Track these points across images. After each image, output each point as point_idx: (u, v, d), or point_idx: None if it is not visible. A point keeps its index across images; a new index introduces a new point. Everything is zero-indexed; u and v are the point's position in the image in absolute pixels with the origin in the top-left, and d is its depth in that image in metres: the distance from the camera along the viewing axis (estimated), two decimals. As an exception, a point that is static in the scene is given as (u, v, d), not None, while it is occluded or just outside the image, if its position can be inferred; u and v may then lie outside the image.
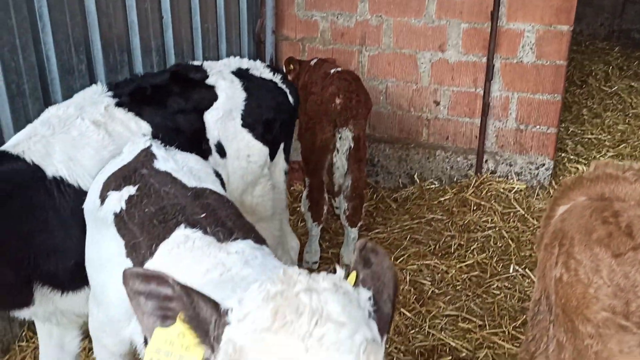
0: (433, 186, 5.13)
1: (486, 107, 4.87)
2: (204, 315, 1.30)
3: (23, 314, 2.41)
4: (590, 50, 9.09)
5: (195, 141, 2.84)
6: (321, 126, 3.90)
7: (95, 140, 2.52)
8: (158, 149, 2.38)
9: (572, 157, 5.48)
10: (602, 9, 9.91)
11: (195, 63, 3.21)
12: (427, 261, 4.08)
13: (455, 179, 5.12)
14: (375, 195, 5.11)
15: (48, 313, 2.42)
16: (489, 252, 4.17)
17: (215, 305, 1.31)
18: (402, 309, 3.56)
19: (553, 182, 4.94)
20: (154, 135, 2.62)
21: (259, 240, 1.96)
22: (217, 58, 4.74)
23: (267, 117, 3.11)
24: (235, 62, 3.31)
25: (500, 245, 4.25)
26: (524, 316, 3.42)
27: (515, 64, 4.71)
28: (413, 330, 3.39)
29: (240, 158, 3.04)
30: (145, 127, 2.71)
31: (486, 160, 5.02)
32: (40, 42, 3.14)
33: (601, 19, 9.94)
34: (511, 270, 3.97)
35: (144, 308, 1.35)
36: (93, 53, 3.50)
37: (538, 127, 4.82)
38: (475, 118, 4.97)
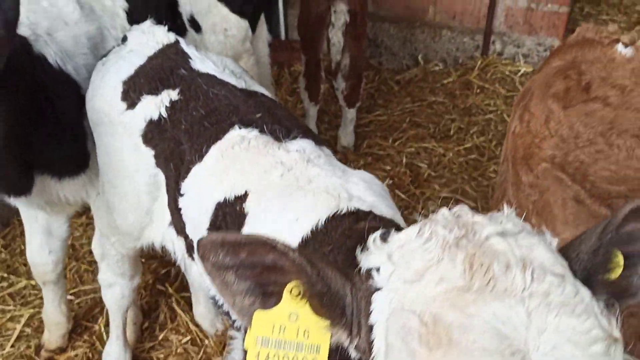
0: (437, 68, 4.98)
1: (497, -16, 4.60)
2: (335, 287, 0.98)
3: (18, 201, 2.34)
4: None
5: (169, 17, 2.67)
6: None
7: (66, 13, 2.28)
8: (188, 46, 2.15)
9: None
10: None
11: None
12: (426, 144, 4.06)
13: (460, 61, 4.96)
14: (377, 77, 4.98)
15: (43, 202, 2.36)
16: (489, 135, 4.13)
17: (344, 272, 1.01)
18: (396, 190, 3.59)
19: (561, 65, 4.77)
20: (130, 12, 2.45)
21: (319, 141, 1.81)
22: None
23: None
24: None
25: (501, 129, 4.19)
26: (518, 199, 3.45)
27: None
28: (406, 211, 3.44)
29: (217, 32, 2.88)
30: (121, 2, 2.50)
31: (493, 41, 4.83)
32: None
33: None
34: (509, 154, 3.94)
35: (235, 288, 1.00)
36: None
37: (549, 5, 4.57)
38: (485, -5, 4.71)
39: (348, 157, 4.00)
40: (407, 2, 5.00)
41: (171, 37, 2.17)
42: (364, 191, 1.53)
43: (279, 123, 1.77)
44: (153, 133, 1.91)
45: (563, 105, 1.92)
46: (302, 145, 1.68)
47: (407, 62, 5.13)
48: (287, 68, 5.04)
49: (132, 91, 2.00)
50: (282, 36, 5.37)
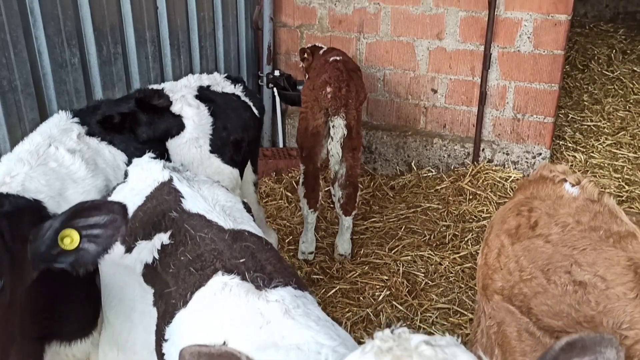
0: (430, 174, 5.13)
1: (483, 96, 4.85)
2: None
3: None
4: (594, 33, 8.98)
5: None
6: (313, 113, 3.91)
7: (74, 171, 2.31)
8: (180, 182, 2.19)
9: (570, 144, 5.46)
10: (608, -11, 9.78)
11: (156, 87, 2.96)
12: (422, 252, 4.11)
13: (452, 167, 5.12)
14: (372, 183, 5.13)
15: None
16: (483, 242, 4.18)
17: None
18: (393, 302, 3.60)
19: (550, 171, 4.93)
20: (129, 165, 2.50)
21: (301, 286, 1.83)
22: (214, 46, 4.75)
23: (235, 138, 2.99)
24: (195, 81, 3.09)
25: (495, 235, 4.26)
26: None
27: (513, 53, 4.68)
28: (404, 324, 3.43)
29: None
30: (120, 155, 2.57)
31: (483, 149, 5.02)
32: (32, 36, 3.14)
33: (606, 0, 9.81)
34: (504, 262, 3.98)
35: None
36: (86, 46, 3.51)
37: (535, 116, 4.81)
38: (473, 106, 4.95)
39: (345, 266, 4.04)
40: (399, 112, 5.24)
41: (165, 175, 2.22)
42: (338, 344, 1.57)
43: (262, 270, 1.81)
44: (151, 274, 1.98)
45: (512, 241, 2.05)
46: (281, 295, 1.70)
47: (401, 168, 5.30)
48: (286, 174, 5.19)
49: (128, 236, 2.05)
50: (281, 144, 5.58)
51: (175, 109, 2.82)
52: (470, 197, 4.71)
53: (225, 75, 3.27)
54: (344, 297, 3.75)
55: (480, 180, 4.87)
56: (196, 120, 2.84)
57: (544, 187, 2.14)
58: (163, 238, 2.00)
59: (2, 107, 2.99)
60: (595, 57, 7.77)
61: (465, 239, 4.23)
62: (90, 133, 2.50)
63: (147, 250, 2.00)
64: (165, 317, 1.84)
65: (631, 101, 6.46)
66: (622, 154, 5.29)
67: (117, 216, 1.70)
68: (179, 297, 1.82)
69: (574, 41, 8.44)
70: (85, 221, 1.70)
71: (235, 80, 3.25)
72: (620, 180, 4.89)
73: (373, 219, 4.60)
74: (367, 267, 4.01)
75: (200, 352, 1.12)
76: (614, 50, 8.00)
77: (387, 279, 3.85)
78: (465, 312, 3.55)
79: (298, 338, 1.57)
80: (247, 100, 3.19)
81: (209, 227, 1.99)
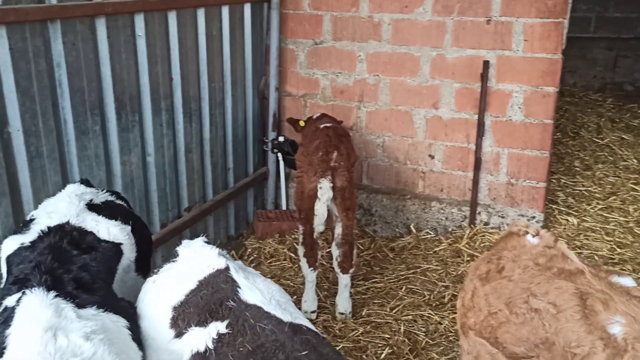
0: (429, 236, 5.31)
1: (478, 162, 5.10)
2: None
3: None
4: (584, 102, 9.39)
5: None
6: (308, 176, 4.14)
7: None
8: (237, 272, 2.19)
9: (562, 208, 5.67)
10: (595, 62, 10.26)
11: (61, 223, 2.46)
12: (422, 312, 4.24)
13: (449, 230, 5.31)
14: (373, 244, 5.30)
15: None
16: (481, 303, 4.31)
17: None
18: (395, 360, 3.70)
19: (544, 234, 5.11)
20: None
21: None
22: (223, 114, 5.04)
23: (147, 249, 2.86)
24: (77, 201, 2.61)
25: (492, 296, 4.39)
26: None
27: (505, 121, 4.96)
28: (406, 382, 3.52)
29: None
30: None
31: (479, 212, 5.22)
32: (59, 106, 3.40)
33: (594, 71, 10.28)
34: (502, 322, 4.10)
35: None
36: (106, 115, 3.76)
37: (528, 181, 5.04)
38: (468, 172, 5.19)
39: (348, 325, 4.16)
40: (398, 177, 5.48)
41: (222, 263, 2.21)
42: None
43: None
44: None
45: (483, 284, 2.36)
46: None
47: (400, 230, 5.48)
48: (289, 235, 5.36)
49: (181, 320, 2.05)
50: (284, 206, 5.78)
51: (115, 237, 2.55)
52: (468, 258, 4.86)
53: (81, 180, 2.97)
54: (347, 356, 3.85)
55: (477, 242, 5.04)
56: (127, 244, 2.62)
57: (511, 240, 2.47)
58: (220, 327, 1.97)
59: (29, 171, 3.20)
60: (585, 125, 8.12)
61: (464, 299, 4.36)
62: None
63: (200, 337, 1.97)
64: None
65: (620, 167, 6.72)
66: (613, 218, 5.49)
67: None
68: None
69: (564, 109, 8.82)
70: None
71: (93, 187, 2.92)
72: (612, 243, 5.06)
73: (374, 280, 4.74)
74: (369, 327, 4.13)
75: None
76: (603, 119, 8.37)
77: (388, 338, 3.96)
78: (465, 371, 3.63)
79: None
80: (123, 202, 2.97)
81: (269, 318, 1.98)
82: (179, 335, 2.05)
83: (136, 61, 3.94)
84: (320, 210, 3.96)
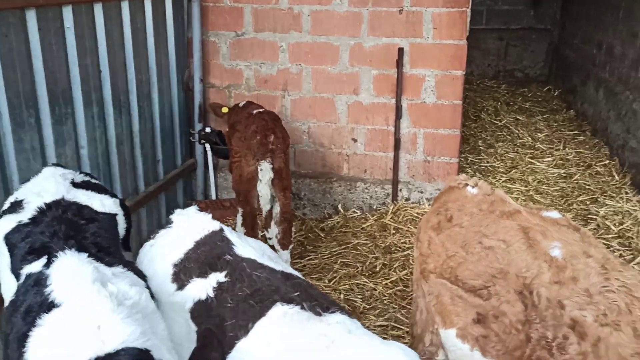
0: (355, 214, 5.65)
1: (397, 143, 5.50)
2: None
3: None
4: (481, 89, 10.19)
5: None
6: (246, 160, 4.34)
7: None
8: (230, 233, 2.41)
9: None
10: (489, 51, 11.14)
11: (56, 199, 2.61)
12: (357, 281, 4.56)
13: (374, 207, 5.68)
14: (304, 226, 5.56)
15: None
16: (409, 268, 4.70)
17: None
18: (340, 323, 3.98)
19: (458, 206, 5.61)
20: None
21: (351, 316, 2.01)
22: (151, 106, 5.09)
23: (129, 223, 3.01)
24: (62, 180, 2.78)
25: (419, 262, 4.80)
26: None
27: (420, 104, 5.39)
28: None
29: None
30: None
31: (400, 189, 5.62)
32: (-6, 98, 3.36)
33: (488, 60, 11.15)
34: (429, 284, 4.51)
35: None
36: (40, 107, 3.75)
37: (442, 158, 5.50)
38: (389, 152, 5.58)
39: (290, 299, 4.39)
40: (324, 161, 5.77)
41: (216, 225, 2.45)
42: (402, 356, 1.81)
43: (317, 300, 2.01)
44: (200, 311, 2.15)
45: (437, 233, 2.68)
46: (340, 318, 1.89)
47: (329, 211, 5.78)
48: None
49: (183, 274, 2.24)
50: (214, 196, 5.90)
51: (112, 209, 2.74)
52: (394, 231, 5.25)
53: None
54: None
55: (401, 217, 5.44)
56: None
57: (452, 193, 2.83)
58: (219, 277, 2.18)
59: (-31, 164, 3.16)
60: (485, 109, 8.84)
61: (394, 267, 4.73)
62: None
63: (201, 287, 2.16)
64: (225, 349, 1.96)
65: (518, 144, 7.43)
66: (515, 188, 6.10)
67: None
68: (239, 327, 1.97)
69: (465, 95, 9.51)
70: None
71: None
72: (517, 209, 5.65)
73: (309, 257, 5.01)
74: (310, 299, 4.38)
75: None
76: (499, 103, 9.14)
77: (330, 306, 4.23)
78: (401, 327, 3.99)
79: (367, 353, 1.76)
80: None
81: (262, 268, 2.20)
82: (181, 287, 2.24)
83: (66, 54, 3.94)
84: (264, 191, 4.16)
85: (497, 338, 2.22)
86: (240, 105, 5.13)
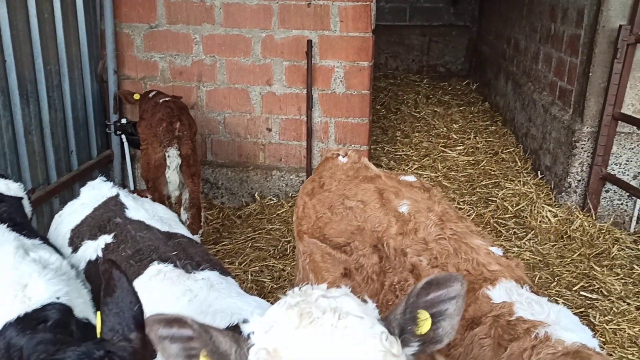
0: (272, 202, 5.83)
1: (310, 132, 5.71)
2: (224, 348, 1.38)
3: None
4: (404, 83, 10.57)
5: None
6: (153, 147, 4.45)
7: None
8: (126, 197, 2.58)
9: (386, 170, 6.50)
10: (413, 47, 11.55)
11: None
12: (267, 262, 4.74)
13: (290, 194, 5.87)
14: (221, 214, 5.69)
15: None
16: (318, 250, 4.92)
17: (234, 336, 1.39)
18: (244, 301, 4.15)
19: (370, 191, 5.88)
20: None
21: (224, 272, 2.17)
22: (62, 97, 5.10)
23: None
24: None
25: (328, 244, 5.03)
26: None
27: (330, 94, 5.62)
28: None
29: None
30: None
31: (314, 177, 5.84)
32: None
33: (412, 56, 11.57)
34: (336, 263, 4.74)
35: (169, 351, 1.40)
36: (-62, 94, 3.74)
37: (353, 145, 5.75)
38: (302, 141, 5.79)
39: (200, 282, 4.52)
40: (240, 150, 5.92)
41: (113, 191, 2.63)
42: (255, 307, 1.98)
43: (191, 258, 2.17)
44: (91, 271, 2.29)
45: (310, 198, 2.93)
46: (207, 275, 2.06)
47: (246, 200, 5.94)
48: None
49: (76, 237, 2.40)
50: (132, 187, 5.95)
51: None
52: (306, 216, 5.46)
53: None
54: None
55: (314, 203, 5.65)
56: None
57: (328, 163, 3.09)
58: (107, 238, 2.34)
59: None
60: (405, 102, 9.20)
61: (304, 249, 4.94)
62: None
63: (92, 248, 2.32)
64: None
65: (433, 134, 7.80)
66: (425, 175, 6.44)
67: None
68: None
69: (388, 90, 9.88)
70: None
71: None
72: (425, 193, 5.97)
73: (223, 243, 5.15)
74: (220, 281, 4.53)
75: (160, 319, 1.39)
76: (420, 96, 9.53)
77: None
78: (305, 303, 4.19)
79: (222, 305, 1.93)
80: None
81: (148, 229, 2.36)
82: (75, 250, 2.40)
83: (-35, 41, 3.94)
84: (172, 177, 4.28)
85: (360, 289, 2.45)
86: (150, 95, 5.21)
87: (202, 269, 2.12)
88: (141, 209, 2.55)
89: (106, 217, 2.49)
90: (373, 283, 2.35)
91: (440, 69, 11.65)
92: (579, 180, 5.44)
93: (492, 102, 9.01)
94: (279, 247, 5.02)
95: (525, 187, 5.91)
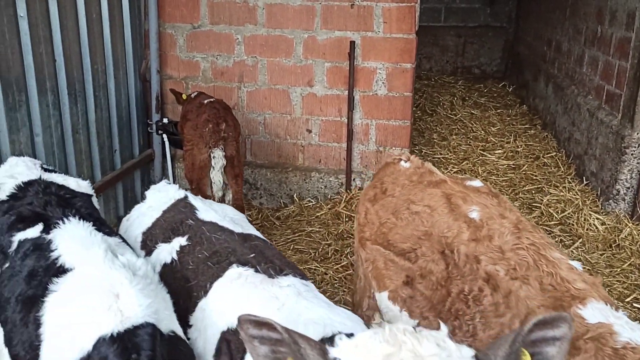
0: (310, 204, 5.80)
1: (350, 133, 5.67)
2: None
3: None
4: (439, 84, 10.46)
5: None
6: (199, 148, 4.45)
7: None
8: (194, 199, 2.54)
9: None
10: (447, 48, 11.42)
11: (32, 179, 2.68)
12: (309, 265, 4.71)
13: (329, 196, 5.84)
14: (260, 215, 5.69)
15: None
16: (360, 254, 4.89)
17: (322, 349, 1.36)
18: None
19: (410, 194, 5.82)
20: None
21: (304, 277, 2.10)
22: (107, 96, 5.14)
23: None
24: (32, 164, 2.86)
25: (369, 248, 4.98)
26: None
27: (372, 96, 5.57)
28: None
29: None
30: None
31: (354, 179, 5.80)
32: (-55, 84, 3.41)
33: (447, 57, 11.44)
34: (378, 267, 4.70)
35: (258, 351, 1.42)
36: (-7, 93, 3.79)
37: (394, 148, 5.70)
38: (342, 143, 5.75)
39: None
40: (279, 151, 5.91)
41: (181, 193, 2.61)
42: (344, 319, 1.92)
43: (271, 262, 2.10)
44: (166, 274, 2.25)
45: (373, 204, 2.87)
46: (292, 281, 1.99)
47: (285, 201, 5.92)
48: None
49: (149, 240, 2.36)
50: (171, 186, 5.99)
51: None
52: (346, 219, 5.42)
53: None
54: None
55: (354, 205, 5.61)
56: None
57: (388, 168, 3.03)
58: (181, 241, 2.31)
59: None
60: (441, 104, 9.10)
61: (345, 253, 4.91)
62: None
63: (167, 251, 2.29)
64: (187, 307, 2.09)
65: (471, 137, 7.69)
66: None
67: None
68: (199, 288, 2.09)
69: (423, 91, 9.78)
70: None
71: None
72: (465, 198, 5.89)
73: (264, 244, 5.14)
74: (262, 283, 4.52)
75: (251, 319, 1.41)
76: (455, 98, 9.42)
77: (281, 289, 4.38)
78: (349, 308, 4.15)
79: (313, 315, 1.86)
80: None
81: (222, 230, 2.33)
82: (148, 253, 2.36)
83: (19, 41, 3.99)
84: (216, 177, 4.29)
85: (423, 297, 2.40)
86: (192, 95, 5.23)
87: (285, 274, 2.05)
88: (211, 210, 2.52)
89: (178, 219, 2.45)
90: (440, 290, 2.30)
91: (475, 70, 11.50)
92: (628, 188, 5.30)
93: (531, 104, 8.86)
94: (320, 250, 4.99)
95: (571, 193, 5.78)
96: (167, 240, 2.37)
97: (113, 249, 2.13)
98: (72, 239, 2.15)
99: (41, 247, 2.15)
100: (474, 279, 2.17)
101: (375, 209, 2.80)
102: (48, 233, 2.22)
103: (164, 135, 5.79)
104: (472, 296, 2.14)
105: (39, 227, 2.28)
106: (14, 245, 2.27)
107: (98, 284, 1.88)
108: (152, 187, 2.80)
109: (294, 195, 5.88)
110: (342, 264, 4.74)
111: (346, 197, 5.69)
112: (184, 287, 2.18)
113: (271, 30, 5.57)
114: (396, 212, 2.68)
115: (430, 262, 2.39)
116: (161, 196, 2.66)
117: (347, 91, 5.58)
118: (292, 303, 1.91)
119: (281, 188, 5.92)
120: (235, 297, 2.01)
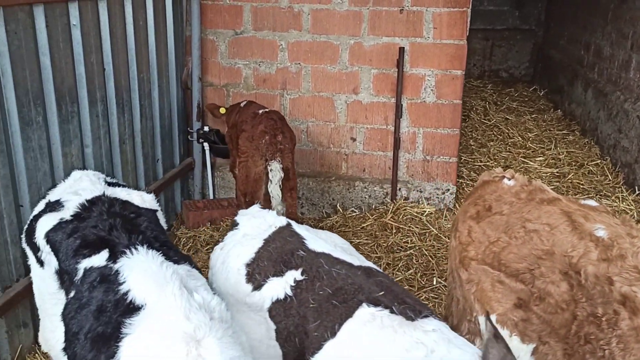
0: (354, 214, 5.66)
1: (397, 142, 5.52)
2: None
3: None
4: (468, 88, 10.26)
5: None
6: (254, 160, 4.31)
7: None
8: (299, 227, 2.36)
9: (468, 182, 6.28)
10: (474, 51, 11.24)
11: (96, 196, 2.59)
12: (362, 280, 4.56)
13: (373, 207, 5.70)
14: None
15: None
16: (413, 268, 4.74)
17: None
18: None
19: (457, 205, 5.67)
20: None
21: (438, 316, 1.92)
22: (151, 105, 5.03)
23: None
24: (96, 179, 2.81)
25: (422, 262, 4.83)
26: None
27: (420, 103, 5.43)
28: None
29: None
30: None
31: (399, 188, 5.65)
32: (3, 97, 3.29)
33: (474, 60, 11.26)
34: (434, 283, 4.55)
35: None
36: (47, 105, 3.68)
37: (441, 157, 5.55)
38: (388, 151, 5.60)
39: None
40: (322, 160, 5.77)
41: (283, 220, 2.40)
42: None
43: (404, 302, 1.91)
44: (278, 311, 2.09)
45: (477, 222, 2.73)
46: (437, 325, 1.79)
47: (327, 211, 5.78)
48: (220, 223, 5.46)
49: (257, 274, 2.18)
50: (212, 196, 5.86)
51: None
52: (395, 230, 5.28)
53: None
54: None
55: (400, 216, 5.47)
56: None
57: (488, 187, 2.88)
58: (296, 275, 2.13)
59: (-20, 164, 3.08)
60: (474, 109, 8.93)
61: (398, 266, 4.76)
62: None
63: (280, 286, 2.11)
64: (304, 347, 1.94)
65: (509, 144, 7.52)
66: (511, 187, 6.18)
67: None
68: (324, 328, 1.91)
69: (453, 95, 9.62)
70: None
71: None
72: (513, 208, 5.72)
73: (312, 257, 4.99)
74: (316, 298, 4.38)
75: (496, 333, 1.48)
76: (487, 102, 9.25)
77: (338, 306, 4.23)
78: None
79: None
80: None
81: (340, 263, 2.13)
82: (257, 287, 2.18)
83: (72, 51, 3.87)
84: (275, 191, 4.15)
85: (540, 320, 2.26)
86: (242, 104, 5.10)
87: (425, 316, 1.85)
88: (318, 239, 2.34)
89: (287, 249, 2.27)
90: (562, 313, 2.16)
91: (502, 74, 11.32)
92: (688, 199, 5.13)
93: (566, 110, 8.67)
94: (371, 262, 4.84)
95: (624, 203, 5.61)
96: (279, 274, 2.21)
97: (186, 283, 2.00)
98: (142, 272, 2.02)
99: (108, 278, 2.05)
100: (607, 301, 2.03)
101: (481, 227, 2.66)
102: (115, 262, 2.11)
103: (205, 144, 5.67)
104: (606, 319, 2.00)
105: (105, 254, 2.18)
106: (80, 273, 2.17)
107: (174, 326, 1.75)
108: (241, 212, 2.62)
109: (337, 205, 5.73)
110: (397, 278, 4.59)
111: (392, 207, 5.54)
112: (301, 325, 2.03)
113: (316, 36, 5.44)
114: (509, 231, 2.54)
115: (551, 284, 2.25)
116: (258, 223, 2.47)
117: (393, 98, 5.43)
118: (443, 352, 1.72)
119: (324, 197, 5.78)
120: (370, 341, 1.83)
